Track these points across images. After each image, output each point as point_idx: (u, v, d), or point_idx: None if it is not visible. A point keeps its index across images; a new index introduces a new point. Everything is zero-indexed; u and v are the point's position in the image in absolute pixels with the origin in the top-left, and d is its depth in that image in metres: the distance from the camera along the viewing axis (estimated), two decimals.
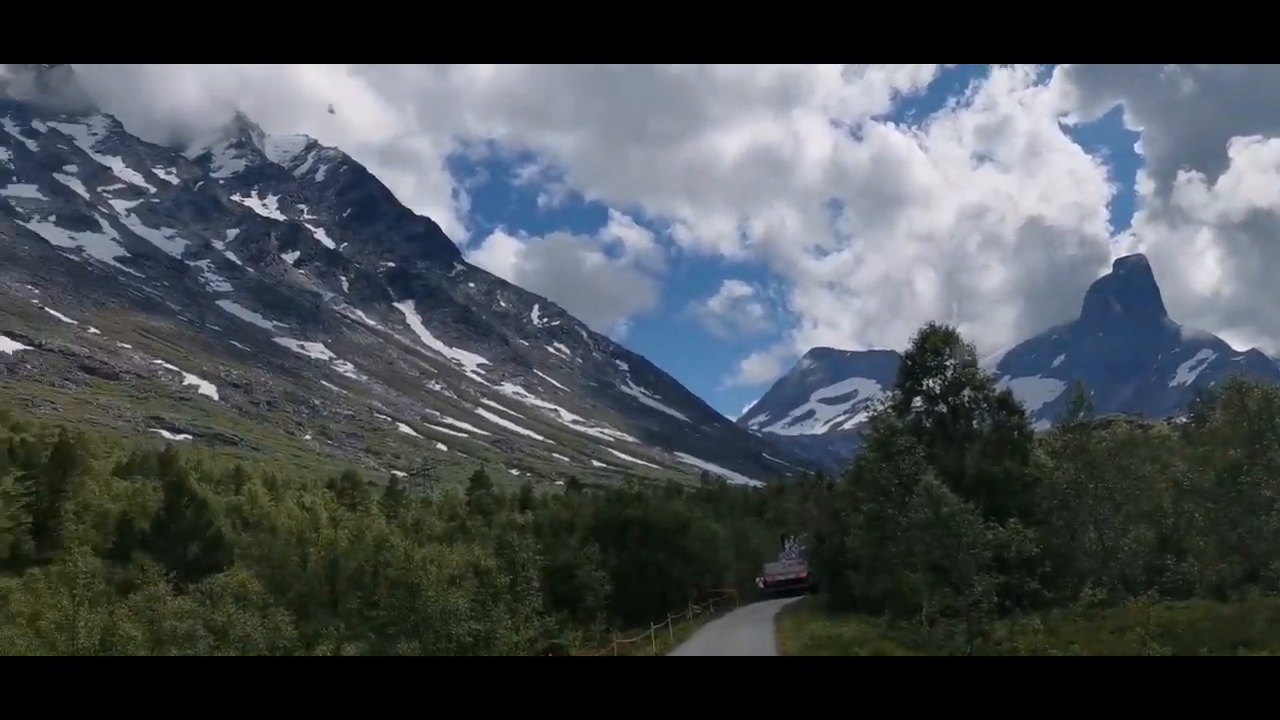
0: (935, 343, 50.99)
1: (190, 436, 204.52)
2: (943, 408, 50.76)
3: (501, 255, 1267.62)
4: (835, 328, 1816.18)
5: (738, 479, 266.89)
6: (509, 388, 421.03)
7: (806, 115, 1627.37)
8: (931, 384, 51.20)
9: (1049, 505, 42.84)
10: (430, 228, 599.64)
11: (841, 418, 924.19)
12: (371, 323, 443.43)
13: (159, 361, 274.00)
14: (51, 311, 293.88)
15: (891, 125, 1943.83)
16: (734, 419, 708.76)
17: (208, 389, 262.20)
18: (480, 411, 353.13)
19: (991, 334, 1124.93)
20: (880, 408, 52.24)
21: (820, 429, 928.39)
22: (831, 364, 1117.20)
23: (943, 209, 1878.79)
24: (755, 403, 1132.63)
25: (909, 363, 52.00)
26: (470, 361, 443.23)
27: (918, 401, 51.72)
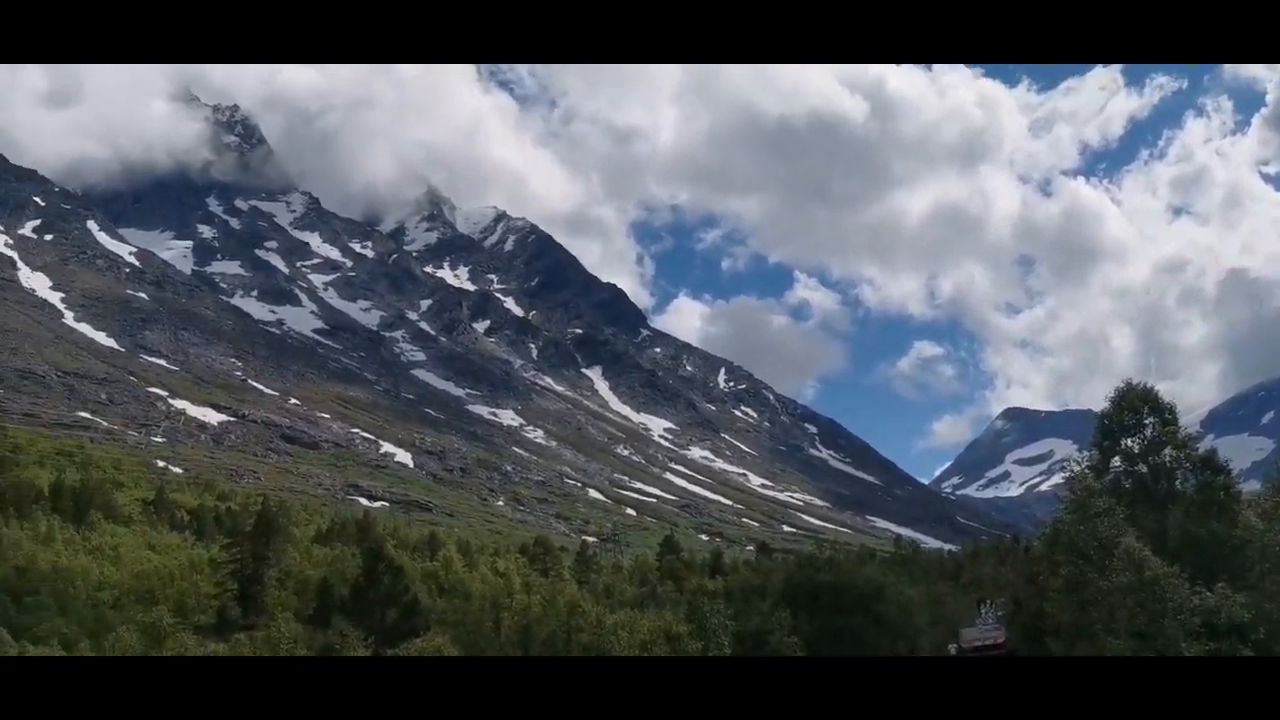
0: (1133, 401, 49.60)
1: (387, 503, 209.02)
2: (1143, 468, 49.28)
3: (687, 320, 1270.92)
4: (1029, 387, 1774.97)
5: (931, 543, 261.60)
6: (697, 452, 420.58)
7: (993, 171, 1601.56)
8: (1130, 443, 49.77)
9: (1261, 569, 41.06)
10: (616, 294, 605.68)
11: (1037, 479, 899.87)
12: (560, 389, 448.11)
13: (356, 430, 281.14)
14: (254, 383, 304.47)
15: (1081, 179, 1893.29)
16: (926, 482, 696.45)
17: (403, 456, 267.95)
18: (669, 476, 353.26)
19: (1194, 391, 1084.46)
20: (1077, 468, 50.83)
21: (1015, 491, 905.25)
22: (1026, 424, 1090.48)
23: (1138, 263, 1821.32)
24: (948, 465, 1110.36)
25: (1106, 422, 50.64)
26: (658, 426, 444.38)
27: (1116, 461, 50.29)
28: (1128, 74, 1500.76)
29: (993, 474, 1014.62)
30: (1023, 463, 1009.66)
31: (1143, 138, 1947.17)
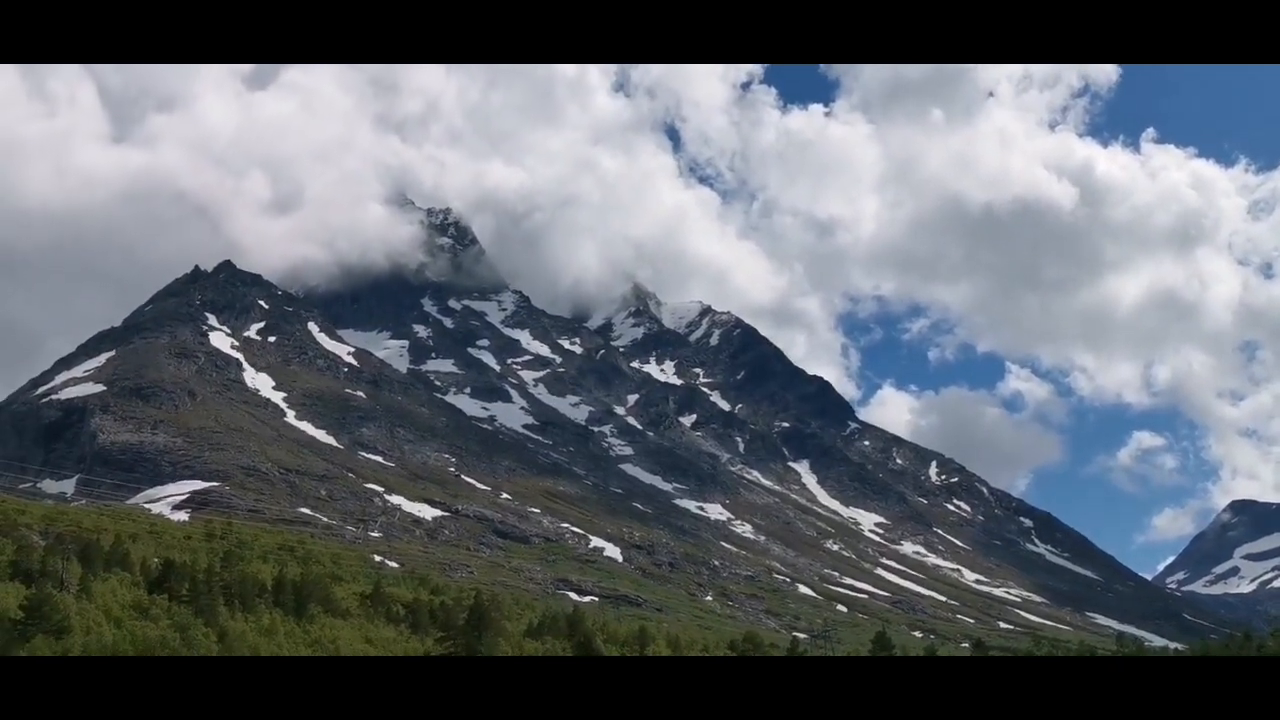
0: None
1: (596, 598, 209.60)
2: None
3: (894, 412, 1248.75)
4: (1256, 478, 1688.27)
5: (1156, 641, 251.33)
6: (908, 547, 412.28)
7: (1211, 255, 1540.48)
8: None
9: None
10: (822, 386, 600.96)
11: (1270, 575, 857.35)
12: (768, 483, 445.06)
13: (566, 525, 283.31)
14: (467, 479, 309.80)
15: None
16: (1149, 577, 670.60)
17: (612, 551, 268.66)
18: (879, 571, 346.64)
19: None
20: None
21: (1247, 588, 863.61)
22: (1254, 517, 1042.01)
23: None
24: (1171, 560, 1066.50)
25: None
26: (867, 520, 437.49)
27: None
28: None
29: (1220, 569, 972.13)
30: (1253, 557, 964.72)
31: None
